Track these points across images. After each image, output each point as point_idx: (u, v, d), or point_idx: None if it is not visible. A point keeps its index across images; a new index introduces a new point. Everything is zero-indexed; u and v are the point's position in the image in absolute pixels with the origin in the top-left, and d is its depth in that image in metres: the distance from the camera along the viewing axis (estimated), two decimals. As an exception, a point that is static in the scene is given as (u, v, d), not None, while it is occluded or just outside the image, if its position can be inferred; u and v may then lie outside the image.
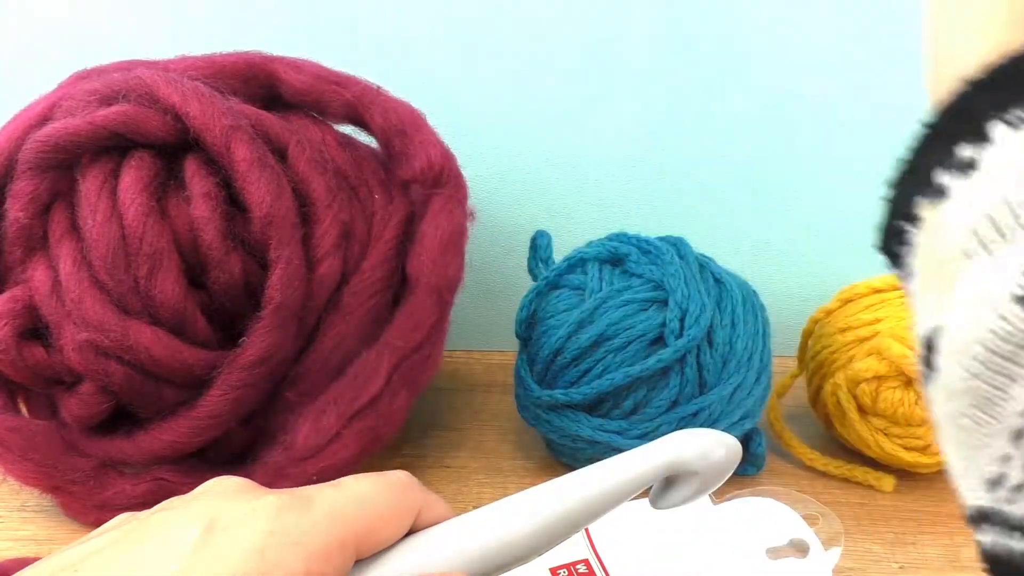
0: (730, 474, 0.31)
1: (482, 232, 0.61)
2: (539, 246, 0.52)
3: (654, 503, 0.32)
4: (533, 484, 0.51)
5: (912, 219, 0.22)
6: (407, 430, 0.54)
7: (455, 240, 0.47)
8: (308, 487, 0.27)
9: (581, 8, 0.56)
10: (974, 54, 0.21)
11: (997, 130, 0.20)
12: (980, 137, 0.20)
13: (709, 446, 0.30)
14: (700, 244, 0.52)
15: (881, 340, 0.47)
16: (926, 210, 0.21)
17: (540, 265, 0.52)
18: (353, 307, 0.45)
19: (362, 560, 0.27)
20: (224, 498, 0.26)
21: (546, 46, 0.57)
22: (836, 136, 0.59)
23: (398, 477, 0.28)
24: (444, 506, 0.29)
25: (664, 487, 0.31)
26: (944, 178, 0.21)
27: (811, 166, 0.60)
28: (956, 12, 0.22)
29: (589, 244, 0.50)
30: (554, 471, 0.50)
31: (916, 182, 0.22)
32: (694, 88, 0.58)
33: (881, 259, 0.24)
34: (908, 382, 0.47)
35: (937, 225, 0.21)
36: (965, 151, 0.20)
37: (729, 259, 0.61)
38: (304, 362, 0.44)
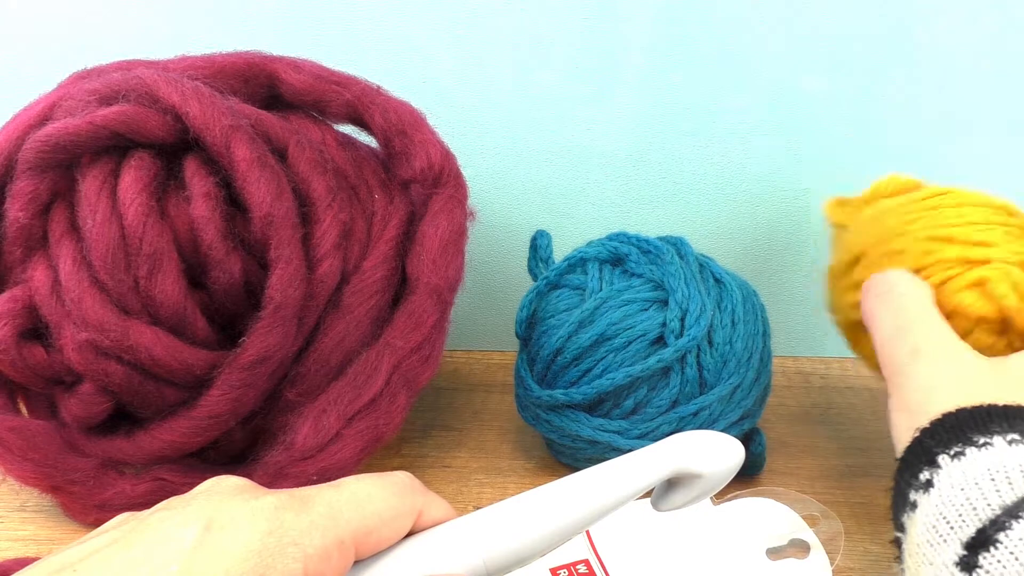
0: (732, 477, 0.31)
1: (482, 232, 0.61)
2: (539, 246, 0.52)
3: (656, 505, 0.31)
4: (533, 484, 0.51)
5: (903, 529, 0.32)
6: (407, 430, 0.54)
7: (455, 240, 0.47)
8: (307, 487, 0.27)
9: (581, 7, 0.56)
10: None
11: (943, 459, 0.30)
12: (933, 465, 0.30)
13: (712, 448, 0.30)
14: (701, 244, 0.52)
15: (996, 274, 0.38)
16: (908, 520, 0.31)
17: (540, 265, 0.52)
18: (353, 307, 0.45)
19: (361, 560, 0.27)
20: (223, 498, 0.26)
21: (546, 45, 0.57)
22: (837, 135, 0.59)
23: (399, 478, 0.28)
24: (445, 507, 0.29)
25: (666, 489, 0.31)
26: (914, 496, 0.31)
27: (811, 165, 0.60)
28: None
29: (589, 244, 0.50)
30: (554, 471, 0.50)
31: (901, 502, 0.32)
32: (694, 87, 0.58)
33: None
34: (1003, 329, 0.39)
35: (911, 528, 0.30)
36: (924, 474, 0.31)
37: (730, 259, 0.61)
38: (304, 362, 0.44)
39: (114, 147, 0.43)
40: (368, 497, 0.27)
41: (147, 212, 0.42)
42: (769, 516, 0.44)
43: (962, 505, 0.28)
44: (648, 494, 0.31)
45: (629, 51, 0.57)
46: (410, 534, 0.28)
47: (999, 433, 0.30)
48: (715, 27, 0.56)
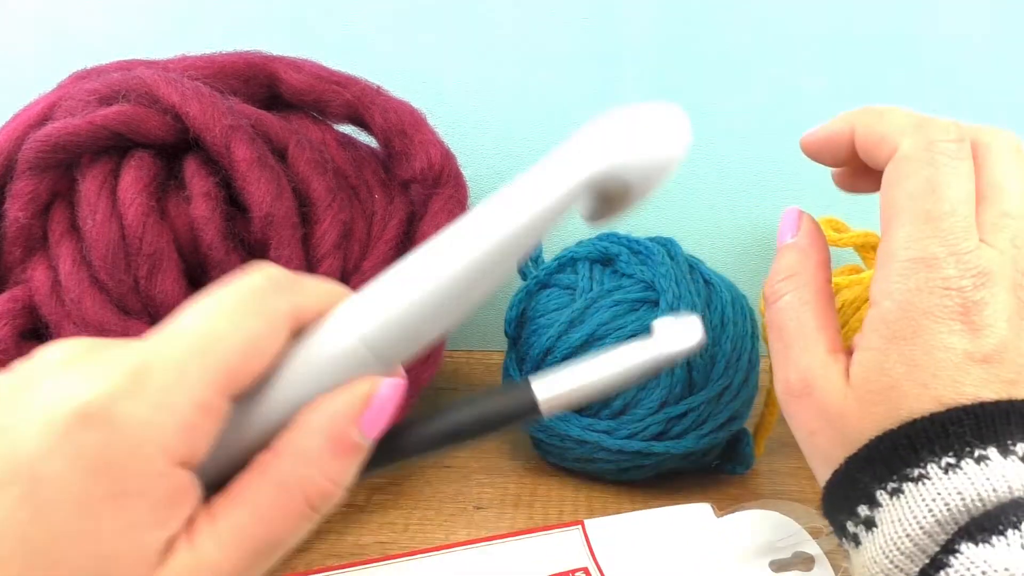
0: (670, 169, 0.24)
1: (482, 232, 0.61)
2: (529, 246, 0.52)
3: (587, 219, 0.25)
4: (534, 484, 0.51)
5: (847, 555, 0.30)
6: (407, 430, 0.54)
7: (455, 240, 0.47)
8: (146, 344, 0.22)
9: (581, 7, 0.56)
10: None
11: (882, 496, 0.28)
12: (872, 502, 0.28)
13: (636, 141, 0.23)
14: (699, 244, 0.52)
15: None
16: (851, 551, 0.29)
17: (530, 264, 0.52)
18: (353, 307, 0.45)
19: (243, 397, 0.23)
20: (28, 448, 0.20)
21: (546, 45, 0.57)
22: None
23: (248, 289, 0.23)
24: (327, 291, 0.24)
25: (594, 199, 0.24)
26: (854, 529, 0.29)
27: (811, 165, 0.60)
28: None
29: (579, 244, 0.50)
30: (553, 471, 0.50)
31: (837, 528, 0.30)
32: (694, 87, 0.58)
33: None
34: None
35: (858, 567, 0.29)
36: (864, 510, 0.28)
37: (728, 259, 0.61)
38: (304, 362, 0.44)
39: (114, 147, 0.43)
40: (216, 338, 0.22)
41: (147, 212, 0.42)
42: (773, 528, 0.44)
43: (911, 551, 0.27)
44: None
45: (629, 51, 0.57)
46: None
47: (931, 460, 0.27)
48: (715, 27, 0.56)
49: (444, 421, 0.24)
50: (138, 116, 0.43)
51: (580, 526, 0.42)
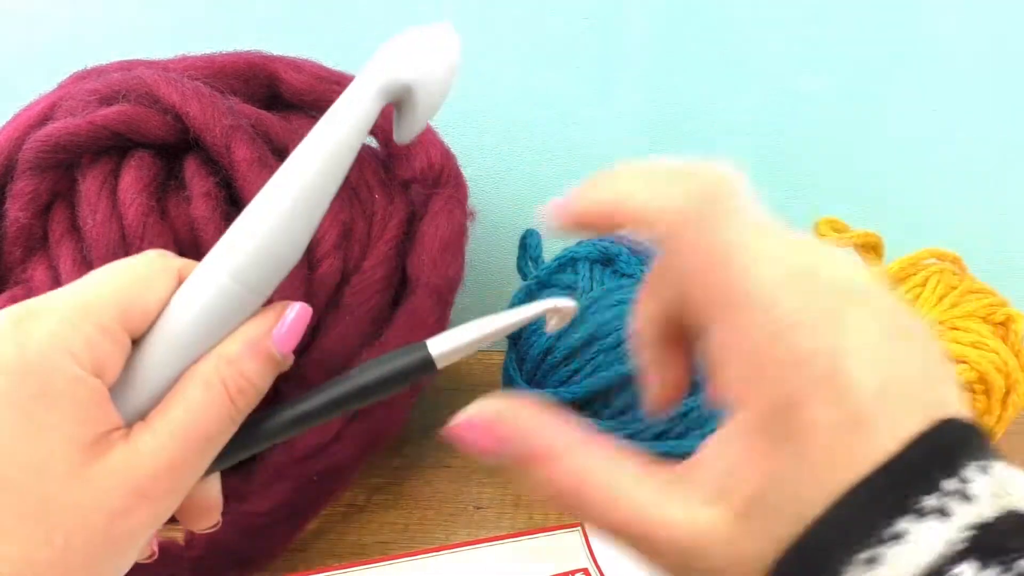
0: (451, 80, 0.27)
1: (482, 232, 0.61)
2: (529, 245, 0.52)
3: (398, 137, 0.29)
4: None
5: None
6: (407, 430, 0.54)
7: (455, 240, 0.47)
8: (40, 300, 0.25)
9: (581, 7, 0.56)
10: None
11: (853, 573, 0.19)
12: None
13: (418, 50, 0.27)
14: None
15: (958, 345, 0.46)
16: None
17: (530, 264, 0.52)
18: (353, 307, 0.45)
19: (140, 339, 0.26)
20: None
21: (547, 44, 0.57)
22: (837, 135, 0.59)
23: (142, 257, 0.27)
24: None
25: (398, 119, 0.28)
26: None
27: (812, 165, 0.60)
28: None
29: (580, 243, 0.50)
30: (554, 471, 0.50)
31: None
32: (695, 88, 0.58)
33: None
34: (987, 391, 0.47)
35: None
36: None
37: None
38: (304, 362, 0.44)
39: (114, 147, 0.43)
40: (112, 279, 0.26)
41: (147, 212, 0.42)
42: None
43: None
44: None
45: (629, 51, 0.57)
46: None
47: (909, 514, 0.19)
48: (715, 27, 0.56)
49: (351, 382, 0.27)
50: (138, 116, 0.43)
51: (580, 527, 0.42)
